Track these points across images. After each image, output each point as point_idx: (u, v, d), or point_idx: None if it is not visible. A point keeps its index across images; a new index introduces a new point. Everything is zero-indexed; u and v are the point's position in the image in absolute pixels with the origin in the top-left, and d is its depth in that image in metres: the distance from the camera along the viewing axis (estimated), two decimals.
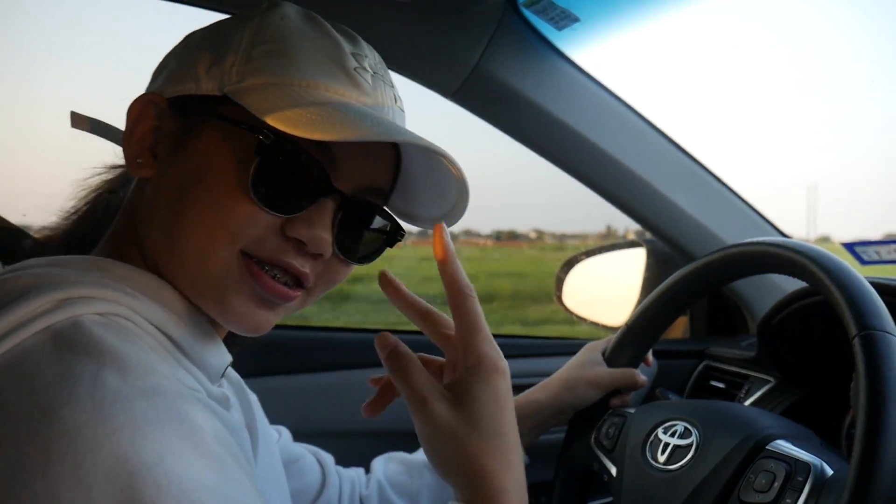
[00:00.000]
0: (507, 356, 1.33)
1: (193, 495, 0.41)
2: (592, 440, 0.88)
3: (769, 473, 0.66)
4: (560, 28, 1.07)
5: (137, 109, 0.57)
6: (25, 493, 0.39)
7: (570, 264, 1.47)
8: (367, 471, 0.92)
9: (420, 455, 0.91)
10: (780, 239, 0.76)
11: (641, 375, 0.94)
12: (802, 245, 0.72)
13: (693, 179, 1.27)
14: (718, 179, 1.29)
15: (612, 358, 0.94)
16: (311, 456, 0.86)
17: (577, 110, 1.16)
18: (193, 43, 0.59)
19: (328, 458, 0.88)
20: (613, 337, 0.95)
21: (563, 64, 1.15)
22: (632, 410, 0.87)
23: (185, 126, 0.56)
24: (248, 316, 0.55)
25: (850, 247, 1.28)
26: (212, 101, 0.55)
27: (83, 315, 0.47)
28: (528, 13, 1.06)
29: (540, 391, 0.94)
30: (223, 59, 0.55)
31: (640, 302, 0.98)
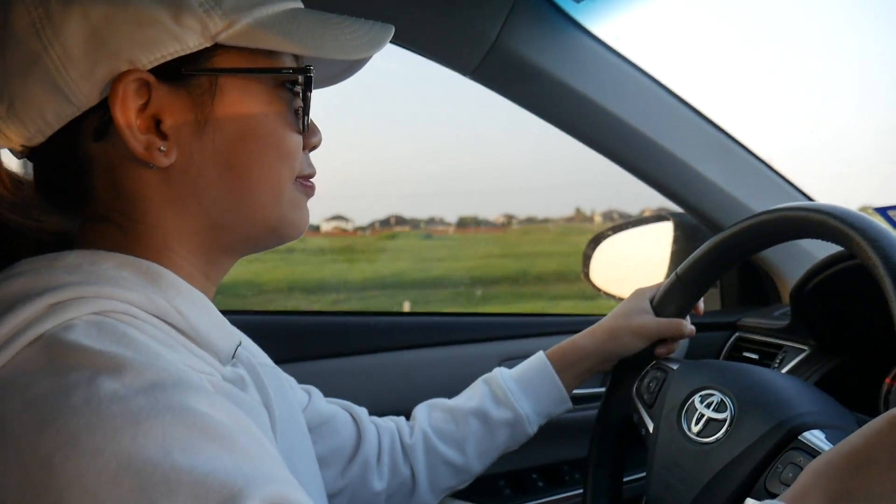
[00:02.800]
0: (532, 335, 1.32)
1: (208, 481, 0.40)
2: (634, 391, 0.89)
3: (797, 467, 0.65)
4: (578, 0, 1.06)
5: (120, 94, 0.51)
6: None
7: (596, 241, 1.47)
8: (408, 418, 0.92)
9: (463, 402, 0.91)
10: (839, 209, 0.72)
11: (689, 325, 0.93)
12: (863, 222, 0.68)
13: (720, 149, 1.25)
14: (746, 148, 1.27)
15: (659, 306, 0.93)
16: (343, 412, 0.85)
17: (600, 84, 1.14)
18: (118, 2, 0.51)
19: (362, 412, 0.87)
20: (662, 284, 0.94)
21: (583, 37, 1.13)
22: (674, 366, 0.87)
23: (191, 93, 0.53)
24: (304, 223, 0.61)
25: (883, 211, 1.26)
26: (205, 56, 0.53)
27: (76, 318, 0.46)
28: None
29: (586, 338, 0.93)
30: (185, 7, 0.51)
31: (668, 275, 0.97)
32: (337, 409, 0.85)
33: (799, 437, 0.68)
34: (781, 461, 0.67)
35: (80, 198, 0.56)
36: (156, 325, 0.50)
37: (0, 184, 0.55)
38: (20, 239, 0.56)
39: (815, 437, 0.67)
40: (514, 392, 0.90)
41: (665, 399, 0.83)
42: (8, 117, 0.52)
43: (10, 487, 0.40)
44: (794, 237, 0.82)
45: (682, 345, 1.30)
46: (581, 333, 0.94)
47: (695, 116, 1.23)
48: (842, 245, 0.72)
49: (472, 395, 0.91)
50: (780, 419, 0.71)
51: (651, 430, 0.83)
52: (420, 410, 0.91)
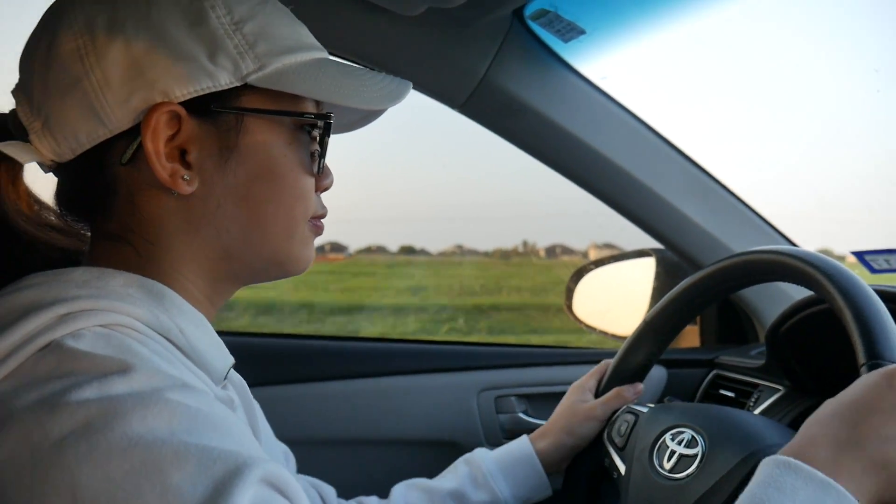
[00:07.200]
0: (511, 366, 1.32)
1: (214, 454, 0.43)
2: (605, 436, 0.90)
3: None
4: (566, 40, 1.08)
5: (153, 123, 0.53)
6: (46, 487, 0.41)
7: (579, 274, 1.48)
8: (384, 483, 0.92)
9: (443, 483, 0.90)
10: (798, 250, 0.76)
11: (630, 388, 0.94)
12: (819, 259, 0.72)
13: (701, 189, 1.27)
14: (727, 189, 1.30)
15: (629, 353, 0.95)
16: (312, 490, 0.86)
17: (585, 121, 1.17)
18: (159, 37, 0.53)
19: (329, 492, 0.88)
20: (632, 332, 0.95)
21: (570, 75, 1.16)
22: (644, 409, 0.88)
23: (218, 128, 0.56)
24: (310, 259, 0.63)
25: (861, 255, 1.28)
26: (234, 94, 0.56)
27: (85, 328, 0.48)
28: (534, 25, 1.08)
29: (542, 440, 0.93)
30: (221, 47, 0.54)
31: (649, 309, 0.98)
32: (307, 486, 0.86)
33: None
34: None
35: (98, 215, 0.58)
36: (158, 340, 0.52)
37: (20, 199, 0.58)
38: (29, 255, 0.58)
39: None
40: (494, 475, 0.89)
41: (636, 440, 0.84)
42: (42, 132, 0.55)
43: (21, 476, 0.41)
44: (760, 281, 0.85)
45: (660, 380, 1.31)
46: (534, 437, 0.94)
47: (677, 155, 1.25)
48: (804, 285, 0.74)
49: (452, 476, 0.91)
50: (750, 450, 0.72)
51: (623, 472, 0.84)
52: (398, 489, 0.91)
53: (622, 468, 0.84)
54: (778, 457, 0.55)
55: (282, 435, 0.85)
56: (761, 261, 0.80)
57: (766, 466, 0.55)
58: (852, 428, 0.54)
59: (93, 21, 0.53)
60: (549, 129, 1.15)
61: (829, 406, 0.57)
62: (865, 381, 0.57)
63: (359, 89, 0.59)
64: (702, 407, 0.85)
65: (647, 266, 1.46)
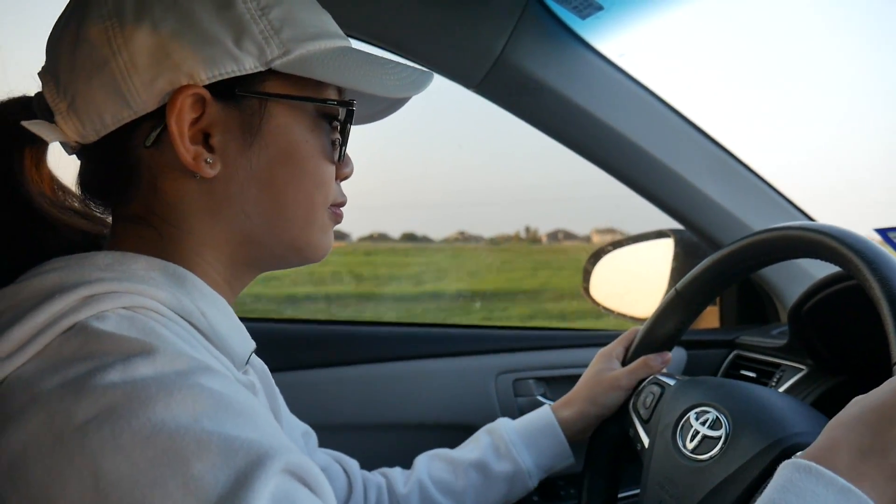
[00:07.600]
0: (529, 348, 1.33)
1: (236, 444, 0.42)
2: (631, 406, 0.90)
3: None
4: (584, 17, 1.07)
5: (178, 106, 0.53)
6: (68, 471, 0.40)
7: (596, 256, 1.47)
8: (403, 467, 0.92)
9: (465, 453, 0.90)
10: (839, 229, 0.73)
11: (657, 358, 0.93)
12: (860, 241, 0.69)
13: (721, 167, 1.26)
14: (747, 167, 1.28)
15: (658, 322, 0.94)
16: (336, 464, 0.86)
17: (602, 100, 1.15)
18: (186, 20, 0.53)
19: (353, 465, 0.88)
20: (662, 301, 0.95)
21: (587, 53, 1.14)
22: (671, 382, 0.87)
23: (242, 112, 0.56)
24: (328, 247, 0.63)
25: (884, 232, 1.26)
26: (258, 79, 0.56)
27: (109, 310, 0.49)
28: (550, 2, 1.06)
29: (565, 409, 0.93)
30: (246, 32, 0.55)
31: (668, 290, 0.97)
32: (330, 460, 0.86)
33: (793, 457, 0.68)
34: None
35: (120, 198, 0.58)
36: (180, 324, 0.53)
37: (43, 182, 0.59)
38: (51, 238, 0.58)
39: None
40: (517, 444, 0.90)
41: (661, 415, 0.83)
42: (68, 113, 0.55)
43: (43, 459, 0.41)
44: (794, 256, 0.82)
45: (680, 361, 1.30)
46: (557, 406, 0.94)
47: (697, 134, 1.24)
48: (840, 266, 0.72)
49: (474, 447, 0.91)
50: (774, 438, 0.71)
51: (646, 445, 0.84)
52: (420, 460, 0.91)
53: (646, 441, 0.84)
54: (798, 460, 0.54)
55: (300, 419, 0.85)
56: (797, 237, 0.78)
57: (785, 470, 0.54)
58: (877, 434, 0.53)
59: (121, 4, 0.54)
60: (567, 108, 1.13)
61: (855, 407, 0.56)
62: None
63: (381, 77, 0.59)
64: (728, 384, 0.84)
65: (666, 247, 1.45)
